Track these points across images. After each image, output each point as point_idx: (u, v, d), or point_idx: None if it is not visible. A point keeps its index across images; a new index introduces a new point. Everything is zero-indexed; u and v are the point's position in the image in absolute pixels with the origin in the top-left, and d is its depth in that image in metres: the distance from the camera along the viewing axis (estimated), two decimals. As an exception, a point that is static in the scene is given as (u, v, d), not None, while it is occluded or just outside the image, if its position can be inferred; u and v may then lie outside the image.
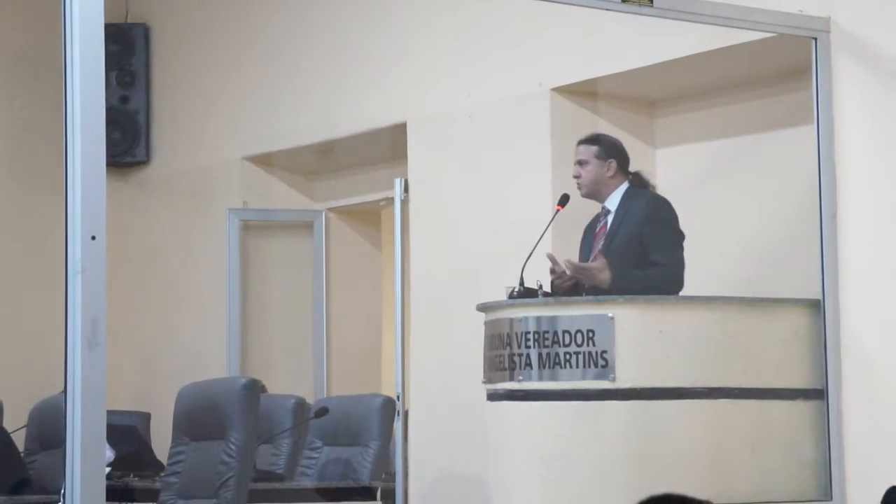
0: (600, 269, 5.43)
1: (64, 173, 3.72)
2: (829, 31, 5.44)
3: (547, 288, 5.51)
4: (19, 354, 8.43)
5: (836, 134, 5.44)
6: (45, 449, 6.68)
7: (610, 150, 5.73)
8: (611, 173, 5.71)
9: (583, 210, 5.85)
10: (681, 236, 5.59)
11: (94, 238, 3.69)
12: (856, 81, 5.43)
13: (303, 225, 8.90)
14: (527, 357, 5.23)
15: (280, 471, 6.87)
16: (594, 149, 5.73)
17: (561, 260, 5.51)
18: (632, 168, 5.77)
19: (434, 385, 7.14)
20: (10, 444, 6.25)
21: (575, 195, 5.80)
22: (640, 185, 5.73)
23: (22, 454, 6.66)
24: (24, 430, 6.81)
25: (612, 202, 5.70)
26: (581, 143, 5.79)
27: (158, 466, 6.96)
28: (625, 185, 5.71)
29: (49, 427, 6.54)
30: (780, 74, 6.18)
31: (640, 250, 5.52)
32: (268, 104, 8.54)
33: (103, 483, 3.72)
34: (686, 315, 5.21)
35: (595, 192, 5.74)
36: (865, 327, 5.35)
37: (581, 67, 6.70)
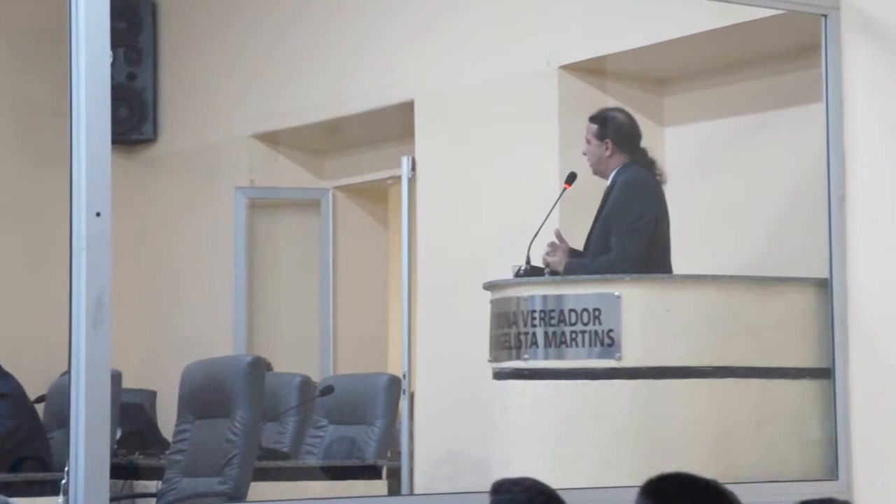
0: (558, 262, 5.53)
1: (69, 150, 3.71)
2: (838, 9, 5.40)
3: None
4: (33, 331, 8.41)
5: (845, 112, 5.40)
6: (63, 426, 6.67)
7: (607, 129, 5.69)
8: (608, 153, 5.68)
9: (590, 188, 5.82)
10: (639, 222, 5.50)
11: (98, 215, 3.69)
12: (866, 59, 5.39)
13: (310, 203, 8.88)
14: (533, 336, 5.22)
15: (285, 449, 6.87)
16: (594, 128, 5.71)
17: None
18: (642, 145, 5.74)
19: (440, 363, 7.12)
20: (36, 418, 6.22)
21: (583, 173, 5.78)
22: (641, 163, 5.69)
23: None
24: (43, 405, 6.81)
25: (609, 181, 5.69)
26: (588, 120, 5.77)
27: (164, 444, 6.95)
28: (622, 164, 5.68)
29: (66, 404, 6.51)
30: (790, 52, 6.14)
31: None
32: (275, 82, 8.51)
33: (107, 462, 3.72)
34: (693, 294, 5.19)
35: (599, 171, 5.74)
36: (873, 307, 5.32)
37: (589, 45, 6.67)
